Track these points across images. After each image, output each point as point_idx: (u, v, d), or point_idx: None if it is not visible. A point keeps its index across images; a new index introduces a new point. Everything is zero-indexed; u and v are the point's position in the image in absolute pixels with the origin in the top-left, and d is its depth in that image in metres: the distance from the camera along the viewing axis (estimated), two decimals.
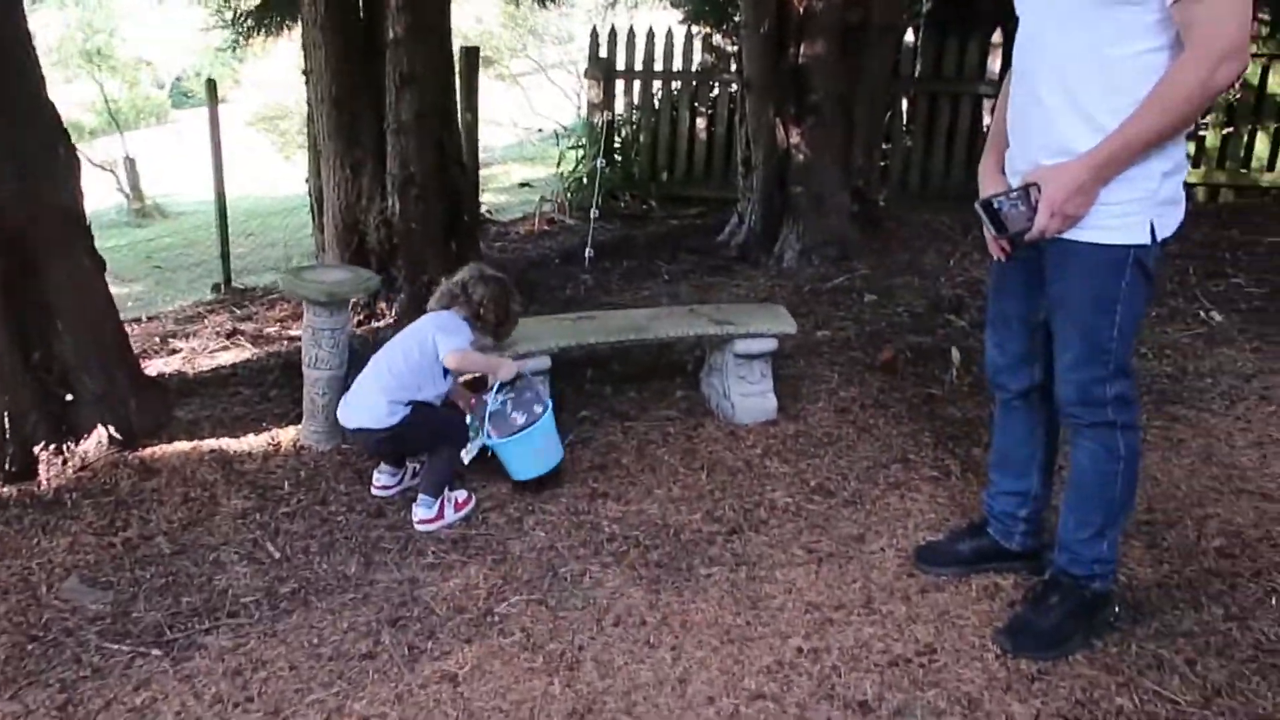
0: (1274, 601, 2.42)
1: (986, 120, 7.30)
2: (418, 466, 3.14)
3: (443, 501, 2.94)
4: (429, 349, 3.01)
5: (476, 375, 3.37)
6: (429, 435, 3.03)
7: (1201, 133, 7.06)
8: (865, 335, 4.34)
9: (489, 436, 3.02)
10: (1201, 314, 4.45)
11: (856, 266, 5.36)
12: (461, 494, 3.02)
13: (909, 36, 7.43)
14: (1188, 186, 7.19)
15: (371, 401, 2.98)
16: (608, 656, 2.31)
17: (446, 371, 3.05)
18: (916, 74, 7.43)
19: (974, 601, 2.46)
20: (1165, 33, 1.91)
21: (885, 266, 5.39)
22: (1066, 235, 2.07)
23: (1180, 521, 2.79)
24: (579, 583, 2.61)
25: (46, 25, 19.67)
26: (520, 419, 3.09)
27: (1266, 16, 6.97)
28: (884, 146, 6.99)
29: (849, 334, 4.37)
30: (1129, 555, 2.60)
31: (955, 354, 3.92)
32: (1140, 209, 2.00)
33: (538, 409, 3.09)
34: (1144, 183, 1.99)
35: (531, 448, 3.03)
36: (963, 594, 2.49)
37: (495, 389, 3.09)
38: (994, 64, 7.11)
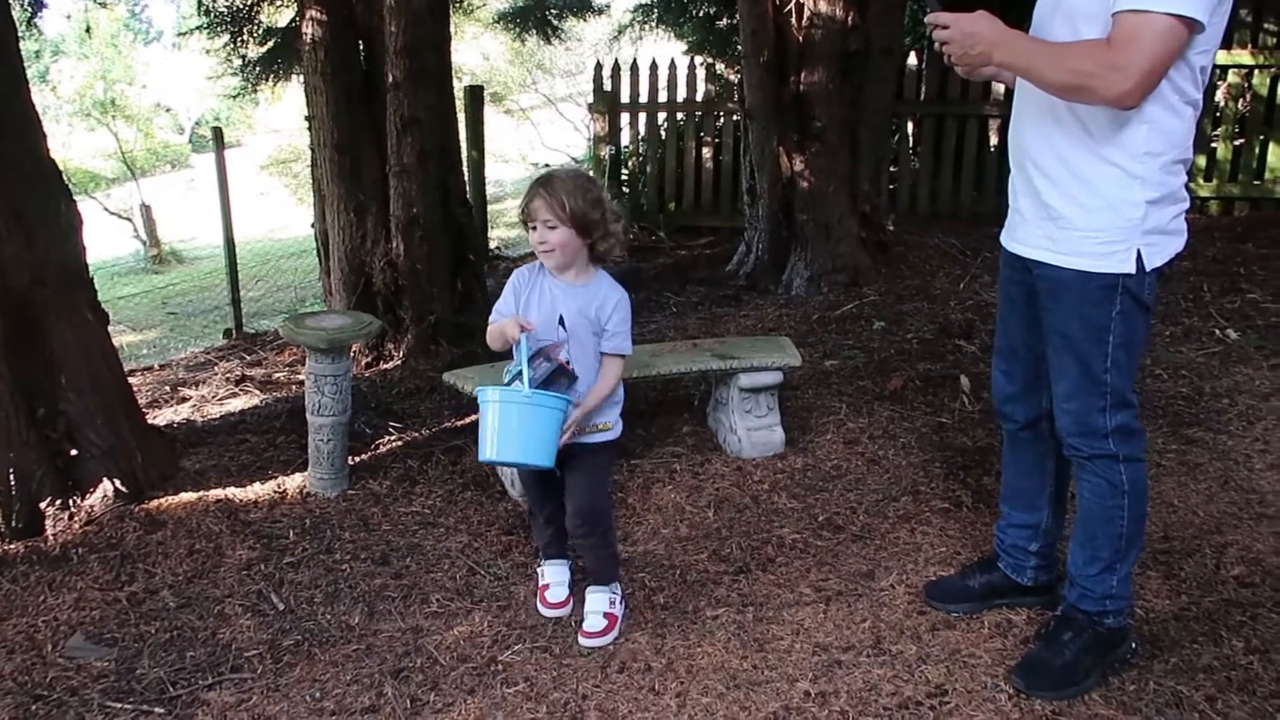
0: None
1: (994, 141, 7.28)
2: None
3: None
4: None
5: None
6: None
7: (1213, 145, 7.00)
8: (874, 364, 4.30)
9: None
10: (1217, 332, 4.37)
11: (866, 293, 5.32)
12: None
13: (913, 60, 7.43)
14: (1200, 200, 7.03)
15: None
16: (612, 705, 2.26)
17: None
18: (922, 97, 7.42)
19: (986, 639, 2.40)
20: None
21: (894, 292, 5.36)
22: (1054, 262, 2.05)
23: (1198, 550, 2.72)
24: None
25: (71, 77, 20.09)
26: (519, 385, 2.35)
27: (1275, 27, 6.92)
28: (891, 171, 6.97)
29: (857, 363, 4.33)
30: (1145, 586, 2.54)
31: (964, 381, 3.88)
32: (1124, 236, 1.98)
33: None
34: (1127, 210, 1.97)
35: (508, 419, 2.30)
36: (975, 632, 2.43)
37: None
38: (998, 85, 7.09)
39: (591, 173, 8.05)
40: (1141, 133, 1.93)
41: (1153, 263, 2.00)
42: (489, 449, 2.31)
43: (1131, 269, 1.99)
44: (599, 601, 2.57)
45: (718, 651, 2.43)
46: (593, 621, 2.54)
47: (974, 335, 4.53)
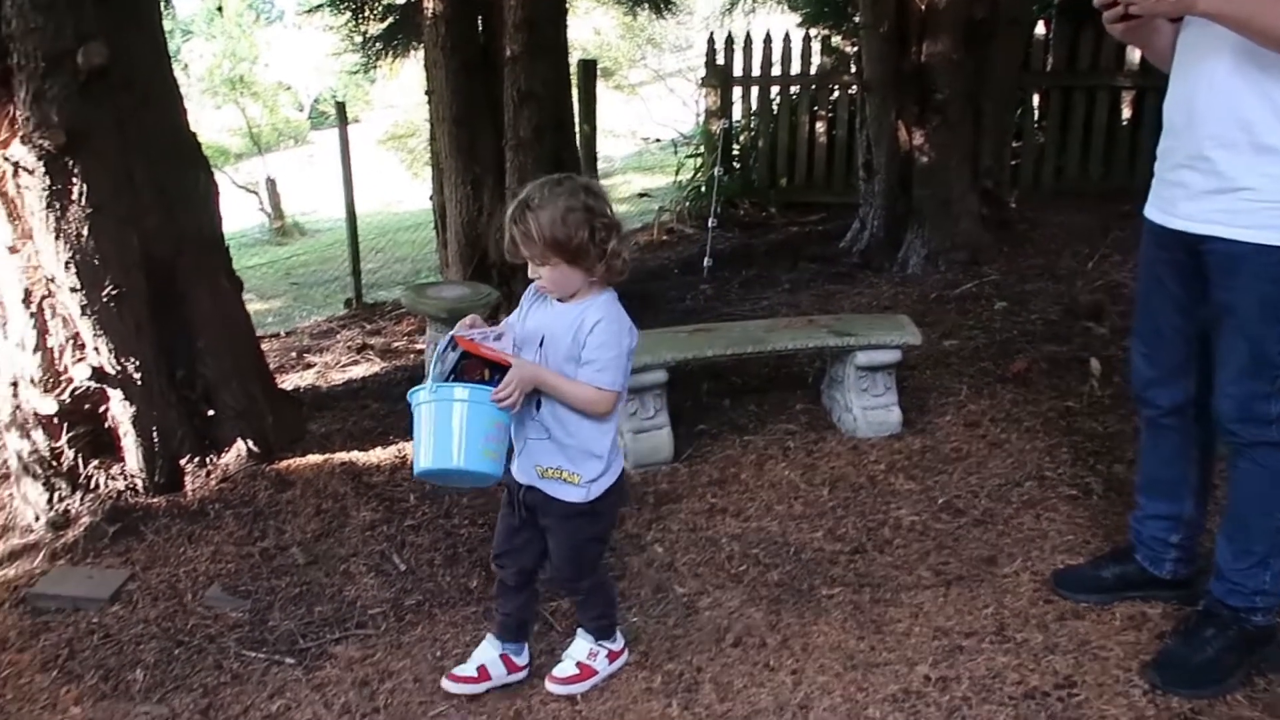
0: None
1: (1125, 114, 6.92)
2: None
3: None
4: None
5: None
6: None
7: None
8: (996, 345, 4.16)
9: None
10: None
11: (986, 271, 5.14)
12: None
13: (1040, 29, 7.11)
14: None
15: None
16: (727, 679, 2.26)
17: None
18: (1049, 68, 7.11)
19: (1118, 631, 2.30)
20: None
21: (1017, 271, 5.16)
22: (1231, 236, 1.93)
23: None
24: (697, 601, 2.57)
25: (200, 56, 21.00)
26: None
27: None
28: (1014, 145, 6.71)
29: (978, 343, 4.20)
30: None
31: (1094, 364, 3.71)
32: None
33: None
34: None
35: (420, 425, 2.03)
36: (1105, 623, 2.33)
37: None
38: (1133, 54, 6.73)
39: (703, 147, 7.98)
40: None
41: None
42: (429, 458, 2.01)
43: None
44: (578, 648, 2.29)
45: (834, 631, 2.40)
46: (562, 666, 2.26)
47: (1104, 317, 4.33)
